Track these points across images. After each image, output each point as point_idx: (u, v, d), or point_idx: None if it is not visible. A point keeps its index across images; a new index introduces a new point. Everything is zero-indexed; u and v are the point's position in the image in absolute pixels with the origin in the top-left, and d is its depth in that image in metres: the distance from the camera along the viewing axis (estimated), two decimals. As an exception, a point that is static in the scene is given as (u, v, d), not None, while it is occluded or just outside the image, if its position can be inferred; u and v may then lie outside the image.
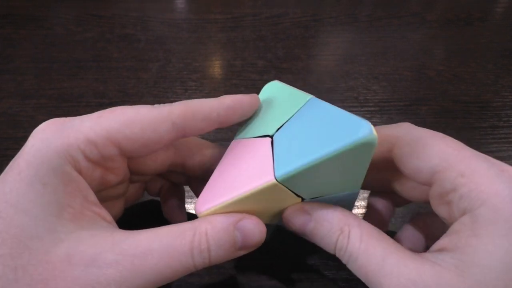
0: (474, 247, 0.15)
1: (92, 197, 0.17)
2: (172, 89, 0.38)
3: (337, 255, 0.18)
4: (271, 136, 0.19)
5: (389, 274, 0.16)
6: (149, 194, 0.26)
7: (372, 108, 0.37)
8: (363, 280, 0.17)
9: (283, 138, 0.18)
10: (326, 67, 0.42)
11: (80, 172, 0.17)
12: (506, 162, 0.17)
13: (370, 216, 0.23)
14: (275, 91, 0.21)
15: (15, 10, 0.48)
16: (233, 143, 0.21)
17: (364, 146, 0.15)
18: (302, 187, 0.18)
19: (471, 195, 0.16)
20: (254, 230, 0.17)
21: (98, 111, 0.18)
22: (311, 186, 0.18)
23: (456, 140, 0.17)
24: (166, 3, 0.52)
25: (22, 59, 0.42)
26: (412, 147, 0.18)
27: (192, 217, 0.27)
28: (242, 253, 0.18)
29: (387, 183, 0.22)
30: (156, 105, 0.18)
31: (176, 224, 0.17)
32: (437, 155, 0.17)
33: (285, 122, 0.19)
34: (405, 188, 0.21)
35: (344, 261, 0.18)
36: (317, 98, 0.19)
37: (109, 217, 0.18)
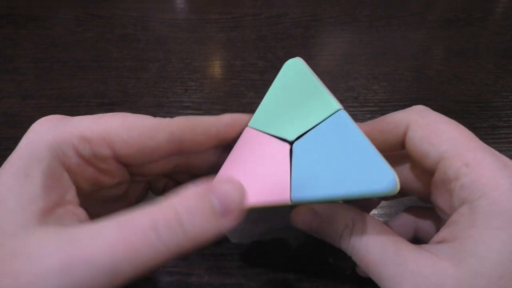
0: (472, 237, 0.15)
1: (71, 196, 0.17)
2: (172, 89, 0.38)
3: (342, 248, 0.19)
4: (290, 143, 0.18)
5: (387, 264, 0.16)
6: (153, 194, 0.26)
7: (372, 108, 0.37)
8: (364, 270, 0.18)
9: (303, 154, 0.18)
10: (326, 67, 0.42)
11: (69, 167, 0.17)
12: (506, 162, 0.17)
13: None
14: (297, 75, 0.20)
15: (15, 10, 0.48)
16: (247, 130, 0.20)
17: (384, 194, 0.15)
18: (312, 203, 0.19)
19: (472, 185, 0.16)
20: (231, 189, 0.15)
21: (99, 111, 0.18)
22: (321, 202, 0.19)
23: (469, 131, 0.18)
24: (166, 3, 0.52)
25: (22, 59, 0.42)
26: (424, 131, 0.18)
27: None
28: (226, 222, 0.14)
29: None
30: (158, 117, 0.19)
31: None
32: (446, 141, 0.17)
33: (306, 131, 0.18)
34: (406, 179, 0.21)
35: (348, 254, 0.18)
36: (345, 113, 0.17)
37: (84, 217, 0.17)
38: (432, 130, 0.18)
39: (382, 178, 0.15)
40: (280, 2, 0.53)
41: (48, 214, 0.16)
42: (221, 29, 0.47)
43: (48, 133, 0.17)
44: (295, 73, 0.20)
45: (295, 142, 0.18)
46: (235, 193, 0.15)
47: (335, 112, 0.18)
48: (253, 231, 0.23)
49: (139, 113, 0.19)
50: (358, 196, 0.16)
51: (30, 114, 0.35)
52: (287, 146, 0.18)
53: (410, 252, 0.17)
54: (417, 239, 0.22)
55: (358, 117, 0.35)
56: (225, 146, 0.21)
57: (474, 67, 0.42)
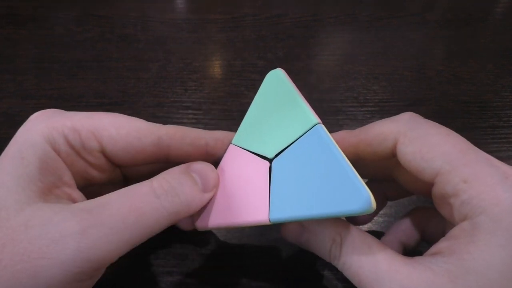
0: (471, 254, 0.15)
1: (67, 178, 0.18)
2: (172, 89, 0.38)
3: (332, 263, 0.18)
4: (270, 160, 0.19)
5: (380, 280, 0.16)
6: None
7: (372, 108, 0.37)
8: (357, 287, 0.17)
9: (282, 173, 0.18)
10: (326, 67, 0.42)
11: (59, 155, 0.18)
12: (506, 162, 0.17)
13: None
14: (278, 88, 0.20)
15: (15, 10, 0.48)
16: (231, 148, 0.20)
17: (359, 214, 0.15)
18: (292, 222, 0.19)
19: (472, 202, 0.15)
20: (207, 168, 0.19)
21: (99, 111, 0.19)
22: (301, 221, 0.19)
23: (462, 139, 0.17)
24: (166, 3, 0.52)
25: (22, 59, 0.42)
26: (416, 145, 0.17)
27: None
28: (208, 196, 0.18)
29: (388, 172, 0.21)
30: (150, 122, 0.19)
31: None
32: (441, 156, 0.16)
33: (284, 148, 0.18)
34: (407, 179, 0.21)
35: (339, 269, 0.18)
36: (322, 128, 0.17)
37: (82, 199, 0.18)
38: (424, 144, 0.17)
39: (357, 198, 0.15)
40: (280, 2, 0.53)
41: (48, 194, 0.16)
42: (221, 29, 0.47)
43: (42, 122, 0.18)
44: (276, 85, 0.19)
45: (274, 160, 0.18)
46: (208, 169, 0.19)
47: (312, 127, 0.17)
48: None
49: (139, 113, 0.19)
50: (334, 216, 0.16)
51: (30, 114, 0.34)
52: (267, 164, 0.19)
53: (403, 266, 0.16)
54: (425, 242, 0.22)
55: (358, 117, 0.35)
56: (214, 163, 0.21)
57: (474, 67, 0.42)
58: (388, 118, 0.19)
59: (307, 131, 0.18)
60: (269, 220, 0.18)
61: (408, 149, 0.17)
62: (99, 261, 0.15)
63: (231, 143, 0.20)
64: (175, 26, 0.47)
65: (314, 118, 0.18)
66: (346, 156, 0.17)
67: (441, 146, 0.16)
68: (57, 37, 0.45)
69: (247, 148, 0.20)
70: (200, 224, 0.20)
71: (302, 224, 0.19)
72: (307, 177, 0.17)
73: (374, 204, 0.15)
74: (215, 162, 0.21)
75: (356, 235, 0.17)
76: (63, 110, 0.19)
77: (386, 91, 0.39)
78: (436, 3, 0.54)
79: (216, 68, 0.42)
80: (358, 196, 0.15)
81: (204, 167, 0.19)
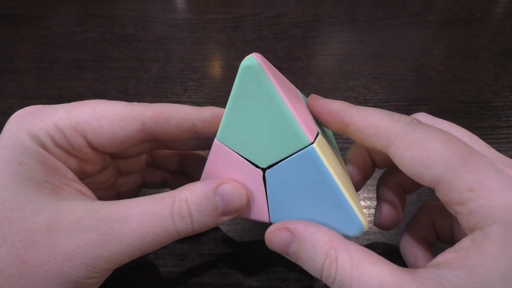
0: (484, 267, 0.14)
1: (71, 174, 0.18)
2: (172, 89, 0.38)
3: (324, 282, 0.16)
4: (263, 169, 0.18)
5: None
6: (148, 188, 0.26)
7: (372, 108, 0.37)
8: None
9: (277, 186, 0.18)
10: (326, 67, 0.42)
11: (52, 155, 0.17)
12: (506, 162, 0.17)
13: (383, 208, 0.21)
14: (258, 85, 0.16)
15: (15, 10, 0.49)
16: (218, 145, 0.18)
17: (351, 237, 0.18)
18: None
19: (482, 211, 0.14)
20: (234, 194, 0.18)
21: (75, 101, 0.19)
22: None
23: (463, 143, 0.16)
24: (166, 3, 0.52)
25: (22, 59, 0.42)
26: (414, 151, 0.16)
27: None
28: (226, 219, 0.18)
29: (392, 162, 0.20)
30: (133, 103, 0.19)
31: (155, 194, 0.17)
32: (441, 163, 0.15)
33: (277, 162, 0.18)
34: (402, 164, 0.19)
35: None
36: (315, 151, 0.17)
37: (90, 193, 0.18)
38: (423, 150, 0.16)
39: (351, 225, 0.17)
40: (280, 2, 0.53)
41: (61, 192, 0.17)
42: (221, 29, 0.47)
43: (27, 123, 0.17)
44: (255, 81, 0.16)
45: (267, 171, 0.18)
46: (236, 194, 0.18)
47: (306, 147, 0.17)
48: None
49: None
50: None
51: (30, 114, 0.35)
52: (260, 172, 0.18)
53: (413, 283, 0.14)
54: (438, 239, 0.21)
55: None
56: (203, 141, 0.21)
57: (474, 67, 0.42)
58: (391, 113, 0.18)
59: (300, 150, 0.17)
60: (270, 222, 0.18)
61: (406, 154, 0.16)
62: (115, 264, 0.16)
63: (216, 139, 0.18)
64: (175, 26, 0.47)
65: (306, 138, 0.17)
66: (334, 131, 0.18)
67: (441, 152, 0.15)
68: (57, 37, 0.45)
69: (236, 150, 0.18)
70: None
71: (292, 232, 0.17)
72: (302, 196, 0.18)
73: (367, 227, 0.17)
74: (204, 140, 0.20)
75: (354, 250, 0.16)
76: (44, 106, 0.18)
77: (386, 91, 0.39)
78: (436, 3, 0.54)
79: (216, 68, 0.42)
80: (353, 223, 0.17)
81: (232, 192, 0.18)
